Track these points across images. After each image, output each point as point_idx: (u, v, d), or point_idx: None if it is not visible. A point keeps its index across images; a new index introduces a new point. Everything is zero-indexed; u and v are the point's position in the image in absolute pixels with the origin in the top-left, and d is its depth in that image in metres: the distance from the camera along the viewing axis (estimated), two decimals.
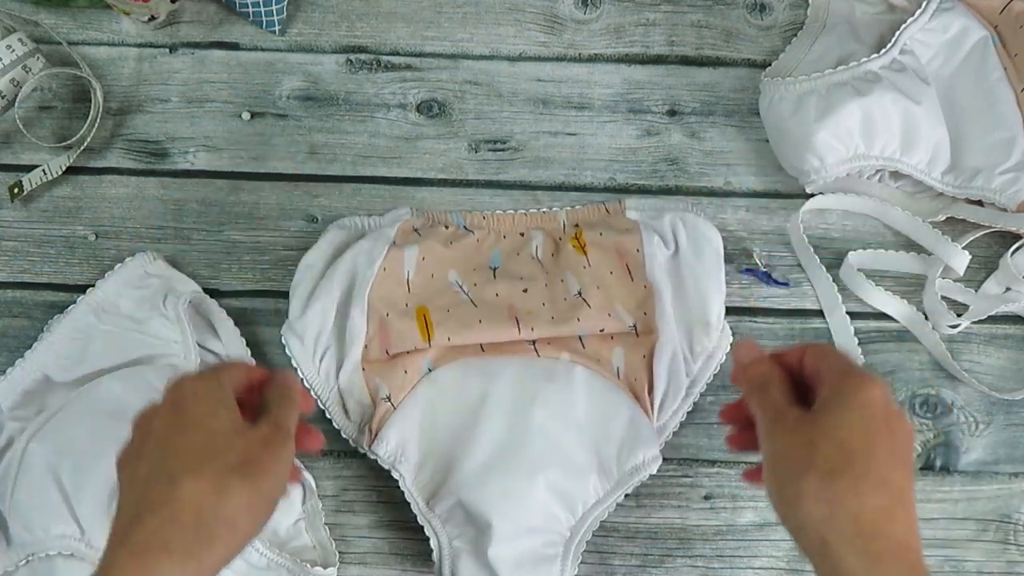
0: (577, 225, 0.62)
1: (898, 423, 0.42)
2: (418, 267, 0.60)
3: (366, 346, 0.58)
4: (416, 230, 0.61)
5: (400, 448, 0.56)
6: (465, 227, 0.62)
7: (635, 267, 0.59)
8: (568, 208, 0.63)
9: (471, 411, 0.56)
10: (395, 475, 0.56)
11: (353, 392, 0.58)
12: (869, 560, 0.39)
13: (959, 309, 0.62)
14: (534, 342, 0.58)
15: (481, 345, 0.58)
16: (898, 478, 0.41)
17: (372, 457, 0.57)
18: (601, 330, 0.58)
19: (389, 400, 0.57)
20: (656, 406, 0.58)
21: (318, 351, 0.58)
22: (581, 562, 0.56)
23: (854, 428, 0.41)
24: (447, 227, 0.62)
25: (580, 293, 0.59)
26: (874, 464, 0.40)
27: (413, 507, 0.56)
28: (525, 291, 0.59)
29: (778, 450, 0.43)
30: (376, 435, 0.56)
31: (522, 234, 0.62)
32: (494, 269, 0.60)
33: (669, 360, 0.58)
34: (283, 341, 0.59)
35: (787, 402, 0.44)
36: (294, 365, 0.59)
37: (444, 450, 0.56)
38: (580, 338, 0.58)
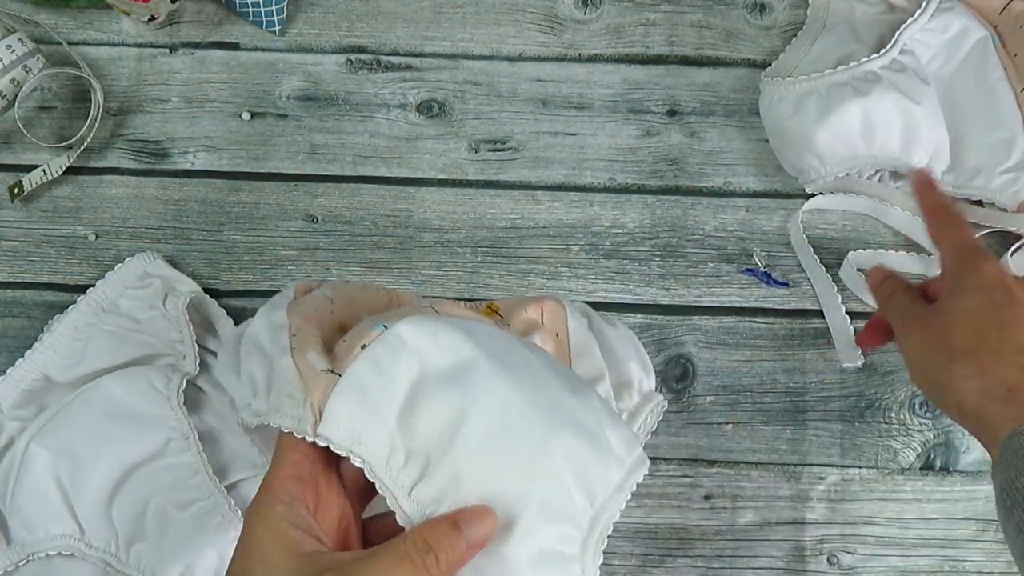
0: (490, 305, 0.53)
1: (1019, 293, 0.47)
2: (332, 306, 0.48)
3: (294, 335, 0.44)
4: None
5: (355, 428, 0.41)
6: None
7: (551, 314, 0.53)
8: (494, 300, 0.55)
9: (457, 371, 0.42)
10: (356, 462, 0.40)
11: (286, 382, 0.43)
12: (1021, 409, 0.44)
13: None
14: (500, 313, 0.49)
15: (435, 310, 0.45)
16: None
17: (322, 444, 0.40)
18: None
19: (332, 372, 0.41)
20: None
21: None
22: None
23: (981, 310, 0.47)
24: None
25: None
26: (1008, 335, 0.46)
27: (389, 501, 0.40)
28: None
29: (916, 345, 0.49)
30: (322, 414, 0.40)
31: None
32: None
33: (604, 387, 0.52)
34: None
35: (913, 302, 0.50)
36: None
37: (427, 423, 0.41)
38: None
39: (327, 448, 0.40)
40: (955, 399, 0.47)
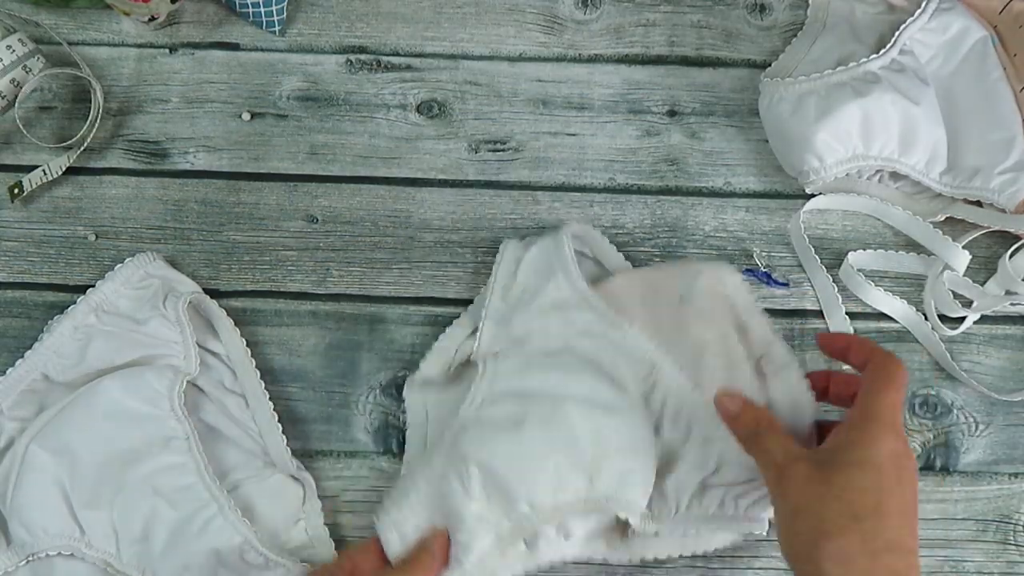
0: None
1: (908, 476, 0.43)
2: None
3: None
4: None
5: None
6: None
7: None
8: None
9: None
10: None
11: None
12: None
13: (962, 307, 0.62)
14: None
15: None
16: (908, 539, 0.42)
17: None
18: None
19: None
20: None
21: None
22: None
23: (865, 489, 0.42)
24: None
25: None
26: (885, 525, 0.42)
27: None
28: None
29: (790, 508, 0.44)
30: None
31: None
32: None
33: None
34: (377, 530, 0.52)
35: (787, 453, 0.45)
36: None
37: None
38: None
39: None
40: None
